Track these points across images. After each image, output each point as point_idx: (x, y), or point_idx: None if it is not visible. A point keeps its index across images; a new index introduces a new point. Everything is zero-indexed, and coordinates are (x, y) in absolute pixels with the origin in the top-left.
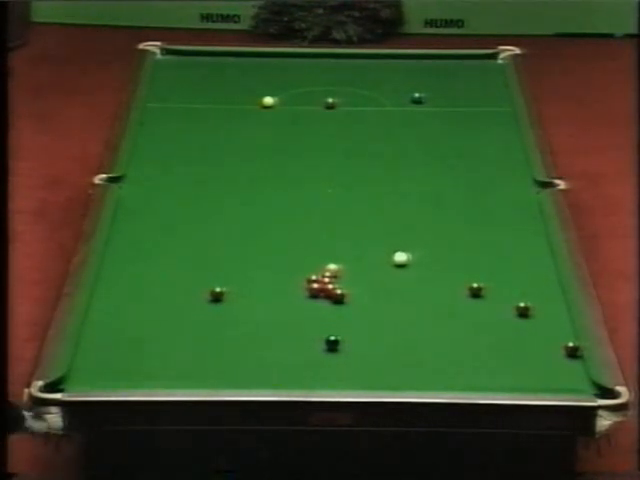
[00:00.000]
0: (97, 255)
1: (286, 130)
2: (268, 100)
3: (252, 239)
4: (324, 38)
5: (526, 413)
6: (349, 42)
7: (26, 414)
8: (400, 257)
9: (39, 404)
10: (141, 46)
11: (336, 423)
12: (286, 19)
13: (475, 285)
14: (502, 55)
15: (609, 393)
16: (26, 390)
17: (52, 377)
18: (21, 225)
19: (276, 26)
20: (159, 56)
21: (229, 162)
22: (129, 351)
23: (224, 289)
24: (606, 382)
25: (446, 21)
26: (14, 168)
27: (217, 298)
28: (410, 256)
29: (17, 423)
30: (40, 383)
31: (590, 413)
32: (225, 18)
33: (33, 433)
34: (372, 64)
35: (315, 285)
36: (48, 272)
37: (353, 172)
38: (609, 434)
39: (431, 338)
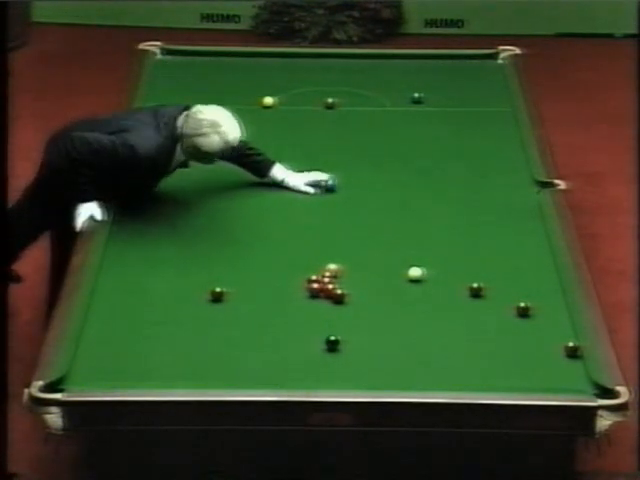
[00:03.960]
0: (97, 255)
1: (286, 130)
2: (268, 100)
3: (252, 239)
4: (324, 38)
5: (526, 413)
6: (349, 42)
7: None
8: (415, 272)
9: (39, 404)
10: (141, 46)
11: (336, 423)
12: (286, 19)
13: (475, 285)
14: (502, 55)
15: (609, 393)
16: (26, 390)
17: (52, 377)
18: None
19: (276, 26)
20: (159, 56)
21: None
22: (129, 351)
23: (224, 289)
24: (606, 382)
25: (446, 21)
26: (14, 168)
27: (217, 298)
28: (424, 271)
29: None
30: (40, 383)
31: (590, 413)
32: (225, 18)
33: None
34: (372, 64)
35: (315, 285)
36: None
37: (353, 172)
38: (609, 434)
39: (431, 338)
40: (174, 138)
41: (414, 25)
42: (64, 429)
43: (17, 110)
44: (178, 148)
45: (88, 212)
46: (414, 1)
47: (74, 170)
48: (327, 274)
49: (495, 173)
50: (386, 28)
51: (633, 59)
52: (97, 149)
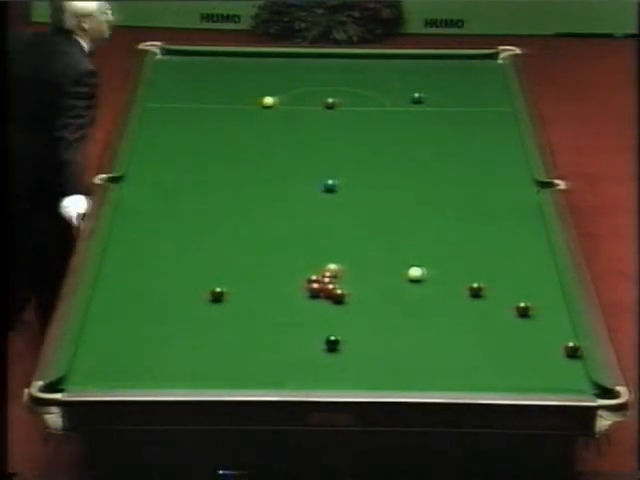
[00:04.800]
0: (97, 255)
1: (286, 130)
2: (268, 100)
3: (252, 239)
4: (324, 38)
5: (526, 413)
6: (349, 42)
7: None
8: (415, 272)
9: (39, 404)
10: (141, 46)
11: (336, 423)
12: (286, 19)
13: (475, 285)
14: (502, 55)
15: (609, 393)
16: (26, 390)
17: (52, 377)
18: None
19: (276, 26)
20: (159, 56)
21: (229, 162)
22: (129, 351)
23: (224, 289)
24: (606, 382)
25: (446, 21)
26: None
27: (217, 298)
28: (424, 271)
29: None
30: (40, 383)
31: (590, 413)
32: (225, 18)
33: None
34: (372, 64)
35: (315, 285)
36: None
37: (353, 172)
38: (609, 434)
39: (431, 338)
40: (70, 36)
41: (414, 25)
42: (64, 429)
43: None
44: (81, 41)
45: (77, 204)
46: (414, 1)
47: (67, 171)
48: (327, 274)
49: (495, 173)
50: (386, 28)
51: (633, 59)
52: (81, 123)
